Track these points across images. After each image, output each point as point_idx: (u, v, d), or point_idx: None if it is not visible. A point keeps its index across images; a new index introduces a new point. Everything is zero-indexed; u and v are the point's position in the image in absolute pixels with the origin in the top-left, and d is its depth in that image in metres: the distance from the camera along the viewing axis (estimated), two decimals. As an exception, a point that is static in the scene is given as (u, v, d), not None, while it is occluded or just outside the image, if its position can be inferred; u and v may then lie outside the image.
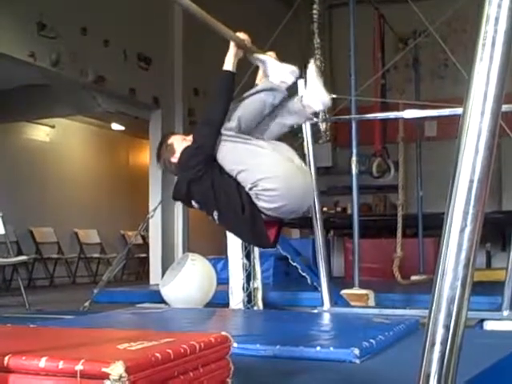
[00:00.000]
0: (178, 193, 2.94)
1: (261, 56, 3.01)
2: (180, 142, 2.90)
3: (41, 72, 6.49)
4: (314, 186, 3.74)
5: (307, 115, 3.05)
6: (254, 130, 2.82)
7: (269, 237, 2.76)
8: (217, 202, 2.73)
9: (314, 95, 2.94)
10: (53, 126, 9.75)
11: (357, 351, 2.17)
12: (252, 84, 3.19)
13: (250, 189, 2.64)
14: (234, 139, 2.73)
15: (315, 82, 2.97)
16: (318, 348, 2.25)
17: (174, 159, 2.87)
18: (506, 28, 1.02)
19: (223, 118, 2.77)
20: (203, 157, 2.73)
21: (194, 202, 2.85)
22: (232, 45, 2.87)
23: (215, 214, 2.77)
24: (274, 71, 2.93)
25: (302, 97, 3.01)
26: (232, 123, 2.74)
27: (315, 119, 4.12)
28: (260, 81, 3.17)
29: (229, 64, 2.83)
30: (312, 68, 2.97)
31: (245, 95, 2.85)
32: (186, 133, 3.11)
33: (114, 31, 7.06)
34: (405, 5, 5.73)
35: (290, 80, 2.93)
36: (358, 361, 2.15)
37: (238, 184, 2.69)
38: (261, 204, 2.64)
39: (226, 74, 2.82)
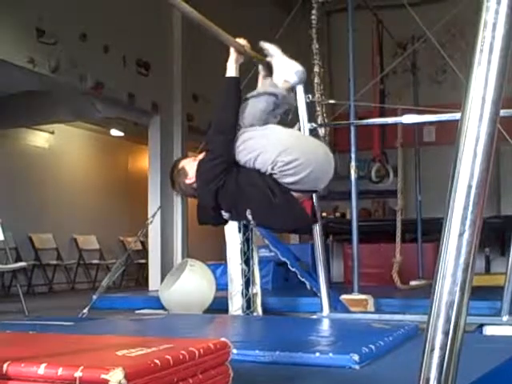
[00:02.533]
0: (204, 214, 2.88)
1: (267, 46, 3.02)
2: (191, 163, 2.87)
3: (40, 78, 6.50)
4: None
5: (288, 98, 2.99)
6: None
7: (308, 213, 2.74)
8: (247, 200, 2.69)
9: (285, 68, 2.94)
10: (52, 132, 9.76)
11: (356, 357, 2.17)
12: (254, 87, 3.20)
13: (272, 169, 2.61)
14: (242, 132, 2.74)
15: (281, 56, 2.98)
16: (318, 354, 2.25)
17: (189, 181, 2.83)
18: (503, 34, 1.03)
19: (235, 123, 2.76)
20: (224, 165, 2.70)
21: (223, 213, 2.80)
22: (232, 50, 2.88)
23: (248, 213, 2.71)
24: (280, 67, 2.93)
25: (273, 76, 3.03)
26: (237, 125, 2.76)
27: (312, 123, 4.12)
28: (261, 82, 3.18)
29: (231, 70, 2.84)
30: (272, 46, 2.98)
31: (247, 96, 2.85)
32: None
33: (113, 37, 7.08)
34: (403, 10, 5.76)
35: (292, 80, 2.93)
36: (357, 366, 2.15)
37: (260, 172, 2.66)
38: (287, 180, 2.61)
39: (230, 80, 2.83)
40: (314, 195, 2.92)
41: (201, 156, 2.84)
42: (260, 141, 2.68)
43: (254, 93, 2.88)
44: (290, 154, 2.59)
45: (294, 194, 2.65)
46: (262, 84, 2.98)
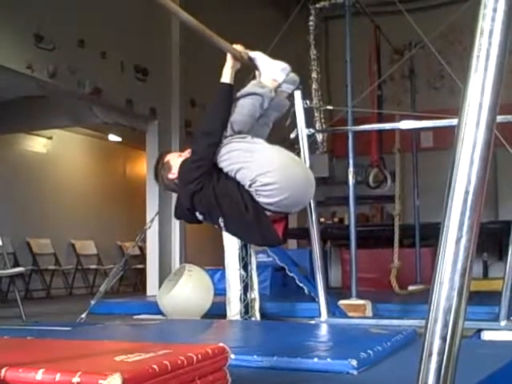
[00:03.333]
0: (180, 210, 2.93)
1: (251, 53, 3.03)
2: (176, 159, 2.90)
3: (38, 84, 6.51)
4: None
5: (278, 102, 3.01)
6: (247, 133, 2.84)
7: (277, 233, 2.75)
8: (220, 208, 2.73)
9: (270, 67, 2.95)
10: (50, 138, 9.76)
11: (354, 362, 2.16)
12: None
13: (250, 186, 2.63)
14: (229, 140, 2.74)
15: (264, 57, 2.99)
16: (316, 359, 2.25)
17: (172, 175, 2.88)
18: (499, 41, 1.04)
19: (222, 129, 2.78)
20: (204, 168, 2.74)
21: (198, 214, 2.85)
22: (229, 57, 2.89)
23: (221, 220, 2.76)
24: (265, 68, 2.95)
25: (260, 76, 3.06)
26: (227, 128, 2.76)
27: (310, 129, 4.13)
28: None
29: (226, 76, 2.85)
30: (255, 52, 2.99)
31: (236, 96, 2.86)
32: (181, 150, 3.13)
33: (111, 43, 7.09)
34: (400, 16, 5.78)
35: (280, 77, 2.95)
36: (355, 372, 2.15)
37: (239, 184, 2.68)
38: (262, 200, 2.63)
39: (224, 86, 2.84)
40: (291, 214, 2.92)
41: (186, 152, 2.86)
42: (245, 155, 2.69)
43: (242, 91, 2.89)
44: (270, 177, 2.61)
45: (268, 212, 2.67)
46: (250, 84, 2.98)
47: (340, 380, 2.10)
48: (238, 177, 2.67)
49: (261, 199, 2.63)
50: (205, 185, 2.74)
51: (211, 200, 2.74)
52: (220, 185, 2.71)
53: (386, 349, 2.45)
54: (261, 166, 2.64)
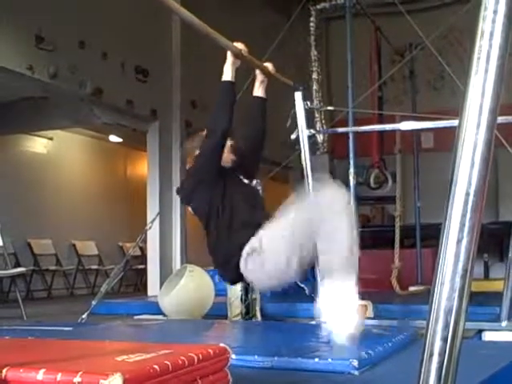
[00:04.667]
0: (183, 188, 3.00)
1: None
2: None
3: (39, 84, 6.51)
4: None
5: None
6: None
7: (230, 278, 2.87)
8: (206, 223, 2.83)
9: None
10: (51, 138, 9.76)
11: (355, 362, 2.17)
12: (251, 90, 3.22)
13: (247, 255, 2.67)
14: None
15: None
16: (317, 359, 2.25)
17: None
18: (500, 43, 1.04)
19: (227, 127, 2.79)
20: (207, 167, 2.79)
21: (190, 206, 2.93)
22: (229, 54, 2.90)
23: (204, 231, 2.88)
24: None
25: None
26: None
27: (311, 130, 4.13)
28: (258, 89, 3.20)
29: (227, 74, 2.86)
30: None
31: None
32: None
33: (111, 44, 7.10)
34: (401, 18, 5.78)
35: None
36: (356, 372, 2.15)
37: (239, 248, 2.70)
38: (247, 268, 2.68)
39: (226, 84, 2.85)
40: None
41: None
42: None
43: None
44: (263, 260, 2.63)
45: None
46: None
47: (341, 380, 2.10)
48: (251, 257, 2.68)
49: (246, 267, 2.68)
50: (204, 191, 2.78)
51: (202, 211, 2.83)
52: (216, 213, 2.77)
53: (387, 349, 2.45)
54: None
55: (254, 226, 2.73)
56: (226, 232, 2.77)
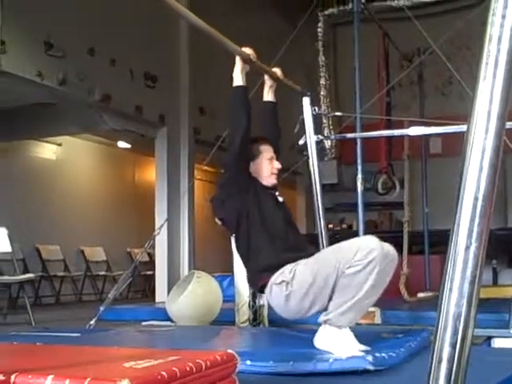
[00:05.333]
0: (214, 201, 2.96)
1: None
2: (259, 168, 2.90)
3: (48, 91, 6.55)
4: (320, 203, 3.75)
5: None
6: None
7: (257, 284, 2.78)
8: (236, 231, 2.78)
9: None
10: (59, 144, 9.81)
11: (370, 358, 2.17)
12: (260, 95, 3.22)
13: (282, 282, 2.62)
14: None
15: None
16: (331, 360, 2.25)
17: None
18: (508, 48, 1.04)
19: (246, 133, 2.76)
20: (233, 179, 2.76)
21: (219, 219, 2.89)
22: (238, 60, 2.90)
23: (233, 236, 2.84)
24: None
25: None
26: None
27: (319, 136, 4.13)
28: (268, 94, 3.20)
29: (238, 79, 2.86)
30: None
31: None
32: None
33: (120, 50, 7.13)
34: (409, 23, 5.78)
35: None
36: (372, 367, 2.15)
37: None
38: (271, 294, 2.67)
39: (238, 90, 2.85)
40: None
41: None
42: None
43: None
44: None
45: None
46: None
47: (358, 378, 2.11)
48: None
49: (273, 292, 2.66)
50: (233, 201, 2.75)
51: (232, 220, 2.78)
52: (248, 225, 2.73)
53: (400, 352, 2.45)
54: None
55: (289, 249, 2.70)
56: (259, 245, 2.71)
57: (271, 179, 2.90)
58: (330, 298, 2.55)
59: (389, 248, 2.66)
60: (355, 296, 2.52)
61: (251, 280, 2.86)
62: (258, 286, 2.76)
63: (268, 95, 3.26)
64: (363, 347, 2.50)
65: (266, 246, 2.70)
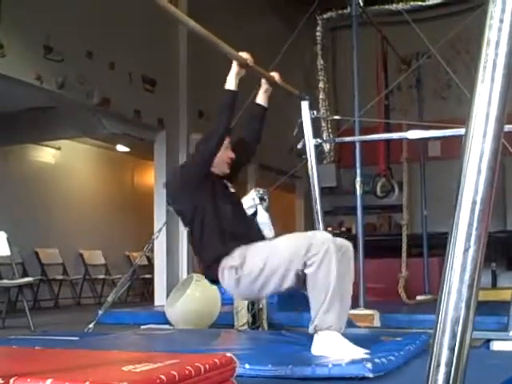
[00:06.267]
0: (171, 183, 3.03)
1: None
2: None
3: (47, 94, 6.55)
4: (319, 206, 3.76)
5: None
6: None
7: (213, 274, 2.83)
8: (190, 223, 2.86)
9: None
10: (58, 148, 9.81)
11: (369, 365, 2.17)
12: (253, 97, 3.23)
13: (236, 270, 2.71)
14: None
15: None
16: (330, 365, 2.24)
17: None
18: (506, 51, 1.04)
19: (224, 133, 2.85)
20: (198, 171, 2.83)
21: (173, 206, 2.97)
22: (234, 64, 2.91)
23: (187, 228, 2.95)
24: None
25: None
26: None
27: (318, 139, 4.14)
28: (261, 97, 3.21)
29: (230, 83, 2.88)
30: None
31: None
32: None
33: (119, 54, 7.14)
34: (407, 27, 5.79)
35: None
36: (371, 375, 2.15)
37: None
38: (223, 278, 2.75)
39: (232, 94, 2.86)
40: None
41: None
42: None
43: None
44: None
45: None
46: None
47: (356, 381, 2.10)
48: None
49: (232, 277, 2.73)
50: (192, 192, 2.82)
51: (187, 213, 2.86)
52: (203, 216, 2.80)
53: (400, 356, 2.44)
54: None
55: (239, 237, 2.79)
56: (210, 236, 2.80)
57: (224, 168, 2.97)
58: (283, 283, 2.68)
59: (341, 240, 2.78)
60: (328, 291, 2.59)
61: (206, 272, 2.91)
62: (214, 276, 2.82)
63: (261, 99, 3.25)
64: (360, 350, 2.51)
65: (218, 237, 2.79)
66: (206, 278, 2.94)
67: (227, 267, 2.72)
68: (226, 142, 2.94)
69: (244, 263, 2.69)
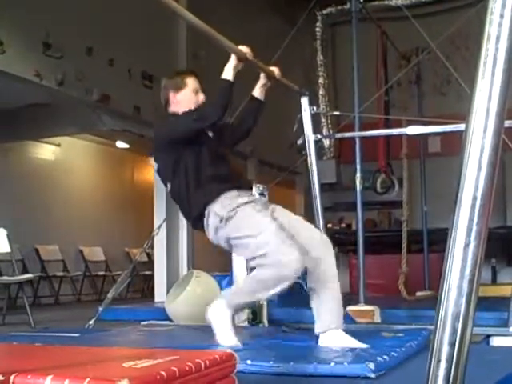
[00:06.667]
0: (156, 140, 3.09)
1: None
2: (187, 95, 3.04)
3: (46, 91, 6.54)
4: (319, 202, 3.76)
5: None
6: None
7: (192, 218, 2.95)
8: (172, 179, 2.94)
9: None
10: (58, 145, 9.80)
11: (372, 365, 2.16)
12: (249, 91, 3.24)
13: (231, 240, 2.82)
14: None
15: None
16: (333, 364, 2.24)
17: (172, 104, 3.10)
18: (506, 46, 1.04)
19: (216, 122, 2.89)
20: (179, 140, 2.90)
21: (154, 162, 3.07)
22: (233, 57, 2.90)
23: (168, 185, 3.00)
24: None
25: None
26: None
27: (317, 135, 4.13)
28: (258, 91, 3.21)
29: (229, 74, 2.88)
30: None
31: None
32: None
33: (118, 51, 7.12)
34: (407, 22, 5.78)
35: None
36: (373, 375, 2.14)
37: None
38: (208, 224, 2.86)
39: (225, 82, 2.87)
40: None
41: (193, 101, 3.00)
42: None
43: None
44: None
45: None
46: None
47: (358, 380, 2.10)
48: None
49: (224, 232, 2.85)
50: (173, 151, 2.90)
51: (168, 169, 2.95)
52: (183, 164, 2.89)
53: (401, 354, 2.44)
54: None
55: (220, 179, 2.90)
56: (194, 185, 2.89)
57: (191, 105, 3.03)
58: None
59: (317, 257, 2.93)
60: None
61: (194, 223, 2.99)
62: (201, 225, 2.91)
63: (258, 92, 3.24)
64: (361, 344, 2.55)
65: (202, 185, 2.88)
66: (193, 228, 3.02)
67: (213, 212, 2.83)
68: (195, 85, 3.02)
69: (230, 220, 2.79)
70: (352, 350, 2.61)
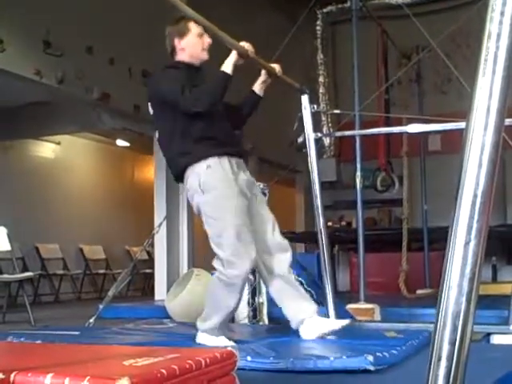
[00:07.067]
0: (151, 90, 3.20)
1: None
2: (192, 39, 3.05)
3: (46, 89, 6.54)
4: (319, 201, 3.75)
5: None
6: None
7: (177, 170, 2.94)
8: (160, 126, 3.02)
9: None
10: (58, 143, 9.80)
11: (371, 357, 2.17)
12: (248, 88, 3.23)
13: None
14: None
15: None
16: (332, 358, 2.25)
17: (178, 52, 3.16)
18: (507, 44, 1.04)
19: (209, 109, 2.83)
20: (173, 107, 2.87)
21: (150, 105, 3.11)
22: (234, 53, 2.89)
23: (156, 133, 3.08)
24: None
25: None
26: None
27: (318, 133, 4.13)
28: (258, 86, 3.20)
29: (228, 68, 2.87)
30: None
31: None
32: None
33: (118, 49, 7.12)
34: (407, 20, 5.77)
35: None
36: (372, 367, 2.15)
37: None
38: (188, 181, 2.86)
39: (224, 74, 2.86)
40: None
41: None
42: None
43: None
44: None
45: None
46: None
47: (358, 377, 2.11)
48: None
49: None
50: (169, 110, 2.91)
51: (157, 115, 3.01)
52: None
53: (401, 351, 2.45)
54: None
55: (211, 141, 2.86)
56: (178, 140, 2.89)
57: (203, 55, 3.04)
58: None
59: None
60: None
61: (176, 176, 2.98)
62: (182, 179, 2.91)
63: (258, 87, 3.23)
64: (342, 322, 2.87)
65: (185, 140, 2.87)
66: (176, 180, 3.02)
67: (195, 173, 2.83)
68: (198, 29, 2.97)
69: (207, 193, 2.80)
70: (351, 345, 2.62)
